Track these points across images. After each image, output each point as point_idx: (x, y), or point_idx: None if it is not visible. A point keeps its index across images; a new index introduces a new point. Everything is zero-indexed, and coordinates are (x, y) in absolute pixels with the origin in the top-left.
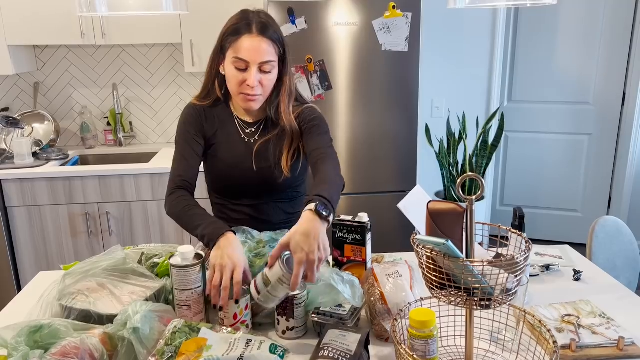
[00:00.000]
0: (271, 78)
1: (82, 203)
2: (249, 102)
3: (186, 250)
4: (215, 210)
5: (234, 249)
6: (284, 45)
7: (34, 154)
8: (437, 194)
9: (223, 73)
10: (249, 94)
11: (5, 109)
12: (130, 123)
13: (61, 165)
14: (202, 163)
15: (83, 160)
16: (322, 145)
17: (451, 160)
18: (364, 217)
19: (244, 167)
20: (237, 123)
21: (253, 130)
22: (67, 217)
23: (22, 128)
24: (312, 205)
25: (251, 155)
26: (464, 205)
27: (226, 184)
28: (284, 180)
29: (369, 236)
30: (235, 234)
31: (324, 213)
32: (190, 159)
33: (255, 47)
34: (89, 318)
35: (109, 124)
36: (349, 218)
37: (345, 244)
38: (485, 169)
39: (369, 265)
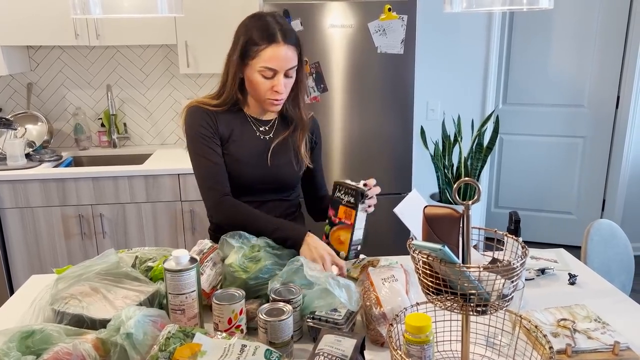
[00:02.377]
0: (293, 80)
1: (76, 205)
2: (275, 106)
3: (180, 254)
4: None
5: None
6: (301, 47)
7: (27, 155)
8: (432, 196)
9: (241, 76)
10: (276, 99)
11: None
12: (125, 124)
13: (54, 167)
14: None
15: (77, 162)
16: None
17: (446, 163)
18: (361, 184)
19: (258, 164)
20: (250, 121)
21: (267, 128)
22: (60, 219)
23: (15, 129)
24: None
25: (267, 152)
26: (460, 209)
27: (236, 181)
28: (296, 176)
29: (361, 203)
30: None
31: None
32: (220, 161)
33: (282, 56)
34: (81, 323)
35: (102, 125)
36: (352, 183)
37: (341, 205)
38: (480, 172)
39: (355, 233)
